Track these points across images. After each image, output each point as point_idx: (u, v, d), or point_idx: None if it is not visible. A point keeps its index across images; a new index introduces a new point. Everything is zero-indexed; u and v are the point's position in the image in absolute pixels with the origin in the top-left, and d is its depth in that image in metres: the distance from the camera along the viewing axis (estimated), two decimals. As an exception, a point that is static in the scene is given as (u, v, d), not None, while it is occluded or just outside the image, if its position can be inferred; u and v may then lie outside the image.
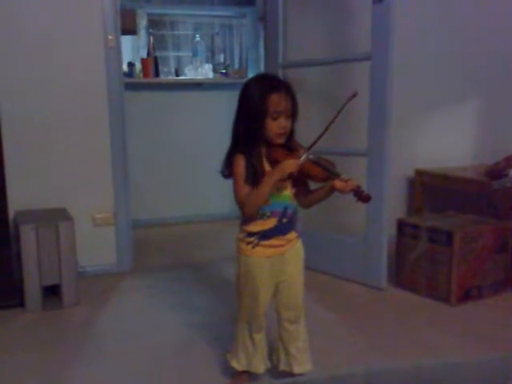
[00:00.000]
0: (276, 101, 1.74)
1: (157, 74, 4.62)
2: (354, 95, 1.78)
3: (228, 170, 1.82)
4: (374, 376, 1.09)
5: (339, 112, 1.77)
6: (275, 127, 1.76)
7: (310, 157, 1.76)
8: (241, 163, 1.77)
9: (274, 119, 1.76)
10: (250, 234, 1.84)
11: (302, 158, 1.73)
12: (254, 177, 1.76)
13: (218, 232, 4.24)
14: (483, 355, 1.84)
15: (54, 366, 2.20)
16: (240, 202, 1.79)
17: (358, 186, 1.75)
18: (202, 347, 2.33)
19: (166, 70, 4.94)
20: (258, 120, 1.75)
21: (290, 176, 1.73)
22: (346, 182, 1.74)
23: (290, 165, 1.71)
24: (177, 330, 2.52)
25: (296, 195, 1.88)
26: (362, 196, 1.74)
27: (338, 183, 1.75)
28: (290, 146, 1.82)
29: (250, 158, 1.77)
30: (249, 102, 1.78)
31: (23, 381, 2.12)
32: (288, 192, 1.84)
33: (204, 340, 2.39)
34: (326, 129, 1.76)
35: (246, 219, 1.85)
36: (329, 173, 1.78)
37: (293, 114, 1.80)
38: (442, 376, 1.08)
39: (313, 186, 1.91)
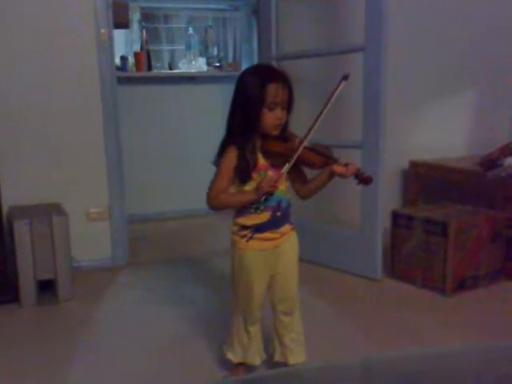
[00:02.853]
0: (273, 91, 1.73)
1: (150, 68, 4.59)
2: (345, 77, 1.76)
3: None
4: (370, 366, 1.09)
5: (330, 99, 1.75)
6: (271, 118, 1.75)
7: (306, 144, 1.75)
8: (230, 156, 1.76)
9: (271, 110, 1.74)
10: (244, 228, 1.84)
11: (284, 169, 1.72)
12: (245, 169, 1.76)
13: (213, 226, 4.23)
14: (479, 343, 1.85)
15: (50, 362, 2.20)
16: (211, 194, 1.78)
17: (358, 168, 1.72)
18: (198, 340, 2.33)
19: (159, 63, 4.92)
20: (255, 110, 1.74)
21: (270, 194, 1.73)
22: (345, 165, 1.72)
23: (270, 183, 1.70)
24: (173, 323, 2.52)
25: (292, 185, 1.87)
26: (363, 178, 1.71)
27: (337, 168, 1.73)
28: (284, 137, 1.81)
29: (243, 150, 1.76)
30: (245, 92, 1.76)
31: (20, 376, 2.12)
32: (282, 185, 1.82)
33: (200, 333, 2.40)
34: (320, 115, 1.74)
35: (240, 212, 1.84)
36: (327, 158, 1.76)
37: (288, 105, 1.79)
38: (439, 365, 1.08)
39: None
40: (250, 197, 1.76)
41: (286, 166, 1.73)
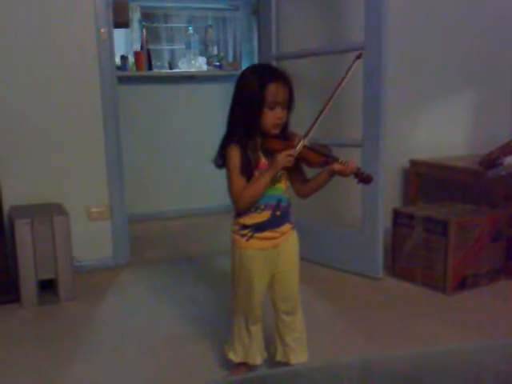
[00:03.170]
0: (274, 91, 1.73)
1: (150, 67, 4.59)
2: (359, 57, 1.77)
3: (222, 160, 1.81)
4: (371, 365, 1.09)
5: (343, 80, 1.76)
6: (272, 117, 1.75)
7: (306, 143, 1.76)
8: (236, 154, 1.76)
9: (271, 109, 1.74)
10: (244, 227, 1.84)
11: (298, 148, 1.73)
12: (248, 168, 1.76)
13: (214, 225, 4.24)
14: (480, 342, 1.85)
15: (51, 361, 2.20)
16: (235, 196, 1.78)
17: (358, 167, 1.74)
18: (200, 340, 2.33)
19: (159, 63, 4.92)
20: (255, 110, 1.74)
21: (286, 169, 1.74)
22: (345, 164, 1.73)
23: (285, 158, 1.71)
24: (174, 322, 2.52)
25: (292, 184, 1.87)
26: (363, 177, 1.73)
27: (337, 166, 1.74)
28: (285, 136, 1.81)
29: (244, 149, 1.76)
30: (246, 91, 1.76)
31: (21, 375, 2.12)
32: (282, 185, 1.83)
33: (201, 332, 2.40)
34: (328, 102, 1.75)
35: (240, 212, 1.84)
36: (327, 157, 1.76)
37: (289, 105, 1.79)
38: (440, 363, 1.08)
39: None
40: (268, 176, 1.74)
41: (300, 144, 1.73)
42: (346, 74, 1.77)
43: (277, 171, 1.75)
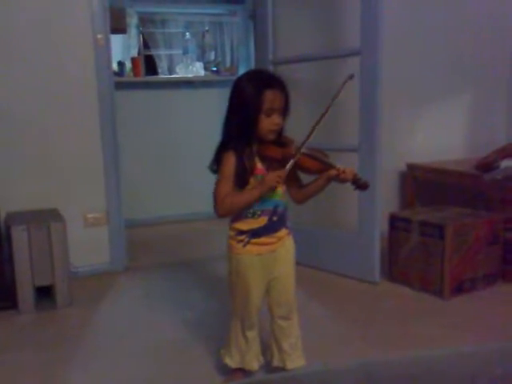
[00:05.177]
0: (271, 97, 1.73)
1: (155, 72, 4.59)
2: (351, 77, 1.77)
3: (217, 166, 1.81)
4: (369, 370, 1.09)
5: (335, 97, 1.76)
6: (268, 124, 1.75)
7: (303, 150, 1.75)
8: (230, 161, 1.76)
9: (268, 116, 1.74)
10: (241, 233, 1.84)
11: (288, 166, 1.72)
12: (244, 175, 1.76)
13: (211, 230, 4.22)
14: (477, 345, 1.85)
15: (49, 367, 2.20)
16: (216, 200, 1.78)
17: (355, 174, 1.74)
18: (197, 345, 2.33)
19: (160, 67, 4.94)
20: (252, 116, 1.73)
21: (275, 189, 1.74)
22: (342, 171, 1.73)
23: (274, 179, 1.71)
24: (171, 328, 2.52)
25: (288, 190, 1.87)
26: (360, 184, 1.73)
27: (334, 173, 1.74)
28: (281, 142, 1.81)
29: (241, 156, 1.76)
30: (243, 97, 1.76)
31: (18, 382, 2.11)
32: (279, 190, 1.82)
33: (198, 338, 2.39)
34: (323, 116, 1.75)
35: (236, 217, 1.84)
36: (324, 164, 1.76)
37: (285, 111, 1.79)
38: (439, 367, 1.08)
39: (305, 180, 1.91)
40: (255, 193, 1.75)
41: (290, 163, 1.73)
42: (338, 93, 1.77)
43: (264, 191, 1.74)
